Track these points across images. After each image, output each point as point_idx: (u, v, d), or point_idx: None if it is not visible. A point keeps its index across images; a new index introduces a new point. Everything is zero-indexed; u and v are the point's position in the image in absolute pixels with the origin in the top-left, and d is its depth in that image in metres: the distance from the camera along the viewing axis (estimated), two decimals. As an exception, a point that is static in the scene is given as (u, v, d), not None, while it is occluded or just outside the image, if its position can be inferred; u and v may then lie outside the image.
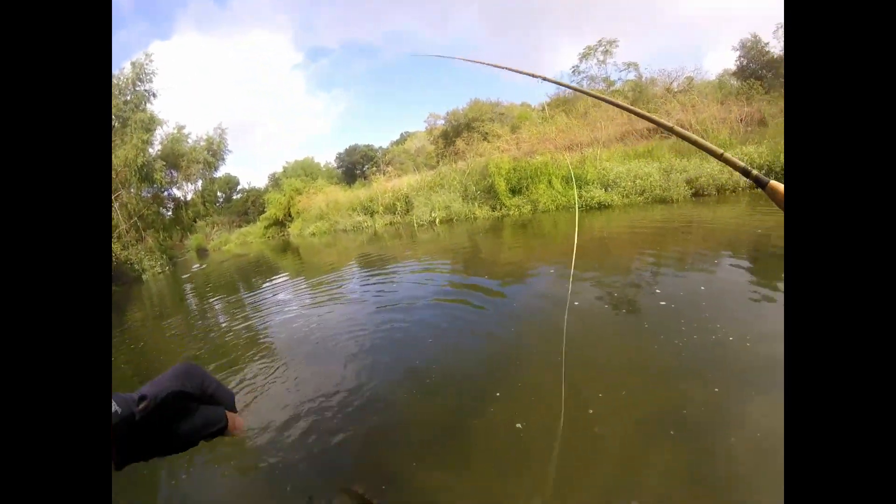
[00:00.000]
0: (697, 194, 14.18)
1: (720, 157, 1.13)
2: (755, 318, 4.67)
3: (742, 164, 1.06)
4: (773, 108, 19.04)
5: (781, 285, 5.53)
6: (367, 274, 10.12)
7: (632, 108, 1.36)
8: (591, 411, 3.29)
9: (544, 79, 1.94)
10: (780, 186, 0.91)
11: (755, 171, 1.01)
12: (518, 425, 3.23)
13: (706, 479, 2.63)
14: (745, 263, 6.76)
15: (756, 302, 5.16)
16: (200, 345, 6.58)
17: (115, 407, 0.62)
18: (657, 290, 5.73)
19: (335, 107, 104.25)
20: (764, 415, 3.04)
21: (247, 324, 7.38)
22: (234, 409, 0.78)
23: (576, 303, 5.64)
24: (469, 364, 4.42)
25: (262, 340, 6.32)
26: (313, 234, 23.94)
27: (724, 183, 13.87)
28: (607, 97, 1.50)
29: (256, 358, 5.51)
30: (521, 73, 2.04)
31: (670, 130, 1.27)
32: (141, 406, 0.64)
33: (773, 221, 9.68)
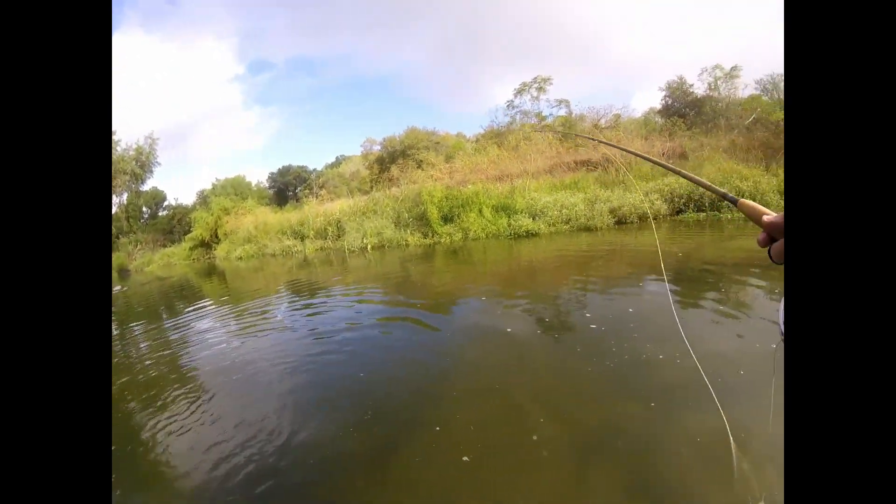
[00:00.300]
0: (620, 222, 15.02)
1: (707, 187, 1.29)
2: (681, 335, 4.91)
3: (721, 189, 1.21)
4: (694, 143, 20.51)
5: (702, 303, 5.89)
6: (297, 301, 9.90)
7: (683, 172, 1.48)
8: (534, 437, 3.32)
9: (638, 155, 2.02)
10: (748, 202, 1.05)
11: (731, 194, 1.16)
12: (465, 458, 3.18)
13: (660, 490, 2.75)
14: (669, 284, 7.12)
15: (681, 320, 5.45)
16: (119, 376, 6.24)
17: None
18: (587, 314, 5.92)
19: (272, 123, 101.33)
20: (702, 423, 3.25)
21: (170, 352, 7.05)
22: None
23: (508, 329, 5.72)
24: (405, 395, 4.36)
25: (186, 371, 6.05)
26: (240, 258, 23.12)
27: (645, 211, 14.67)
28: (672, 166, 1.59)
29: (180, 390, 5.26)
30: (630, 152, 2.15)
31: (684, 176, 1.44)
32: None
33: (692, 244, 10.30)
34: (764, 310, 5.65)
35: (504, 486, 2.92)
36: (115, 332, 10.25)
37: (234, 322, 8.62)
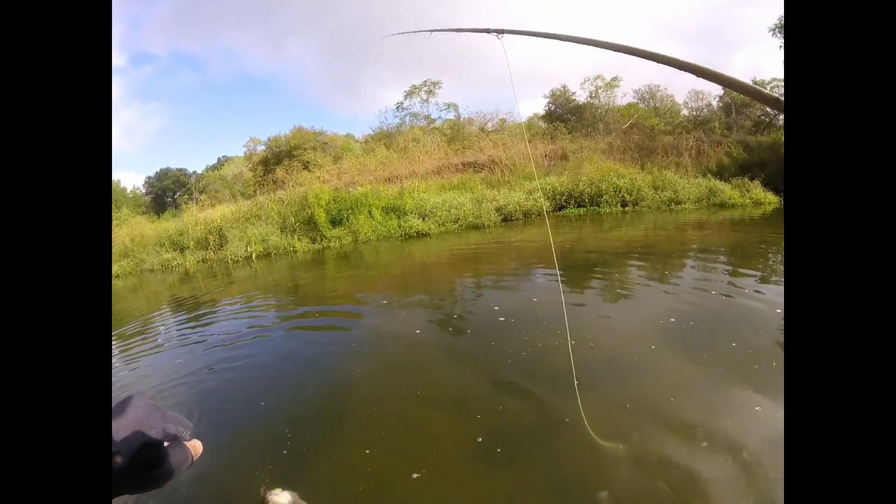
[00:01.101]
0: (506, 220, 15.72)
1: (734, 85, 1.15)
2: (588, 320, 5.18)
3: (754, 87, 1.07)
4: (574, 146, 22.14)
5: (596, 287, 6.23)
6: (184, 320, 9.16)
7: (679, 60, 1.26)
8: (480, 439, 3.24)
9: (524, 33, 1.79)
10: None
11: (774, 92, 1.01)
12: (414, 475, 2.95)
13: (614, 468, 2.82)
14: (564, 274, 7.52)
15: (583, 306, 5.72)
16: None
17: None
18: (495, 307, 6.00)
19: (151, 122, 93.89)
20: (627, 396, 3.49)
21: None
22: (192, 438, 0.83)
23: (417, 331, 5.64)
24: (319, 418, 3.94)
25: None
26: (117, 276, 21.21)
27: (529, 209, 15.41)
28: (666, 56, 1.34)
29: None
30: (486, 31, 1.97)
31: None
32: (117, 461, 0.66)
33: (574, 235, 10.81)
34: (650, 289, 6.00)
35: (471, 495, 2.79)
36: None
37: (117, 348, 7.79)
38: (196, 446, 0.83)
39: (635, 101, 29.47)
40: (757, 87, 1.01)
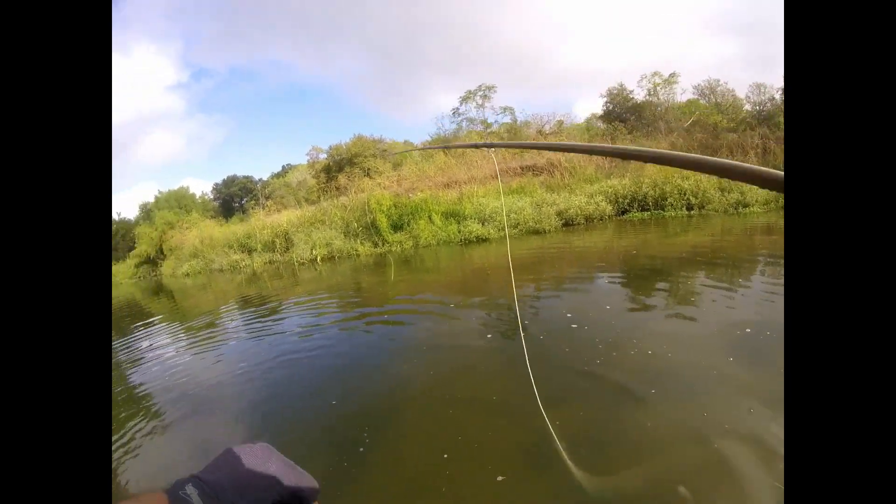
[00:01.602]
0: (567, 224, 15.46)
1: None
2: (661, 329, 5.08)
3: (751, 167, 0.97)
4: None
5: (661, 300, 6.08)
6: (250, 317, 9.51)
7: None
8: (563, 444, 3.22)
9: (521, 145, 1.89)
10: None
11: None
12: (499, 478, 2.96)
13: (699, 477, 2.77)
14: (635, 281, 7.43)
15: (653, 314, 5.63)
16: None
17: None
18: (567, 314, 5.94)
19: (215, 132, 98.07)
20: (703, 407, 3.43)
21: (116, 373, 6.69)
22: (314, 502, 0.73)
23: (488, 335, 5.66)
24: (387, 417, 3.98)
25: (139, 395, 5.68)
26: (187, 275, 22.13)
27: (591, 213, 15.18)
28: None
29: (133, 416, 4.89)
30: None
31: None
32: None
33: (639, 240, 10.67)
34: (721, 297, 5.90)
35: (559, 498, 2.82)
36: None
37: (186, 342, 8.24)
38: None
39: (695, 97, 28.42)
40: (754, 167, 0.85)
